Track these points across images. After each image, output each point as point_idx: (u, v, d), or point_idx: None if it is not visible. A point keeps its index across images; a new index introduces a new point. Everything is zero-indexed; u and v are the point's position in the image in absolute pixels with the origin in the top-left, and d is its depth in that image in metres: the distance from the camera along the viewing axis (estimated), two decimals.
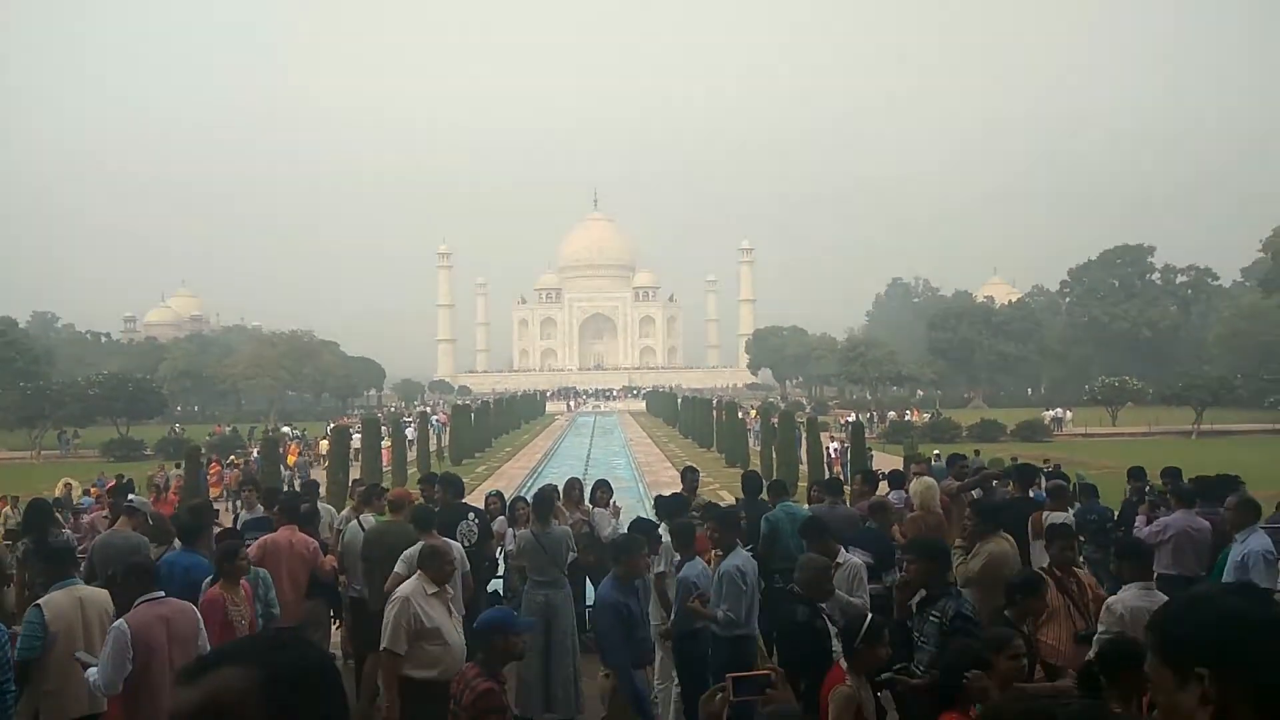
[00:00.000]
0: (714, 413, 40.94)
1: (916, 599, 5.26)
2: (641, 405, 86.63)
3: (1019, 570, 5.93)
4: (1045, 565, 6.15)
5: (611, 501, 9.32)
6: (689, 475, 9.78)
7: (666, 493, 9.51)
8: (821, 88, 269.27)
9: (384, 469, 27.24)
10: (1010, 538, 6.50)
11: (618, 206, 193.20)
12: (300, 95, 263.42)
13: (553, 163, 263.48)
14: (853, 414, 49.73)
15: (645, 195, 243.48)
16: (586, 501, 9.33)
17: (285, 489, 24.76)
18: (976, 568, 6.21)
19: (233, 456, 29.93)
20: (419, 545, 7.10)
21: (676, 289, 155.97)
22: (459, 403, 61.77)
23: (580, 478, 9.75)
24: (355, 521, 8.32)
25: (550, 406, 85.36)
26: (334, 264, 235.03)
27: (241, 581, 6.21)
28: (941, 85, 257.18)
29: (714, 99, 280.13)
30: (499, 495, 9.82)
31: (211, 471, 24.95)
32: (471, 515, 8.56)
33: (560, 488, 8.83)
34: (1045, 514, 8.08)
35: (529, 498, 9.05)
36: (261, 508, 9.26)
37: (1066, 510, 8.57)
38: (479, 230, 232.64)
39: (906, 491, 9.38)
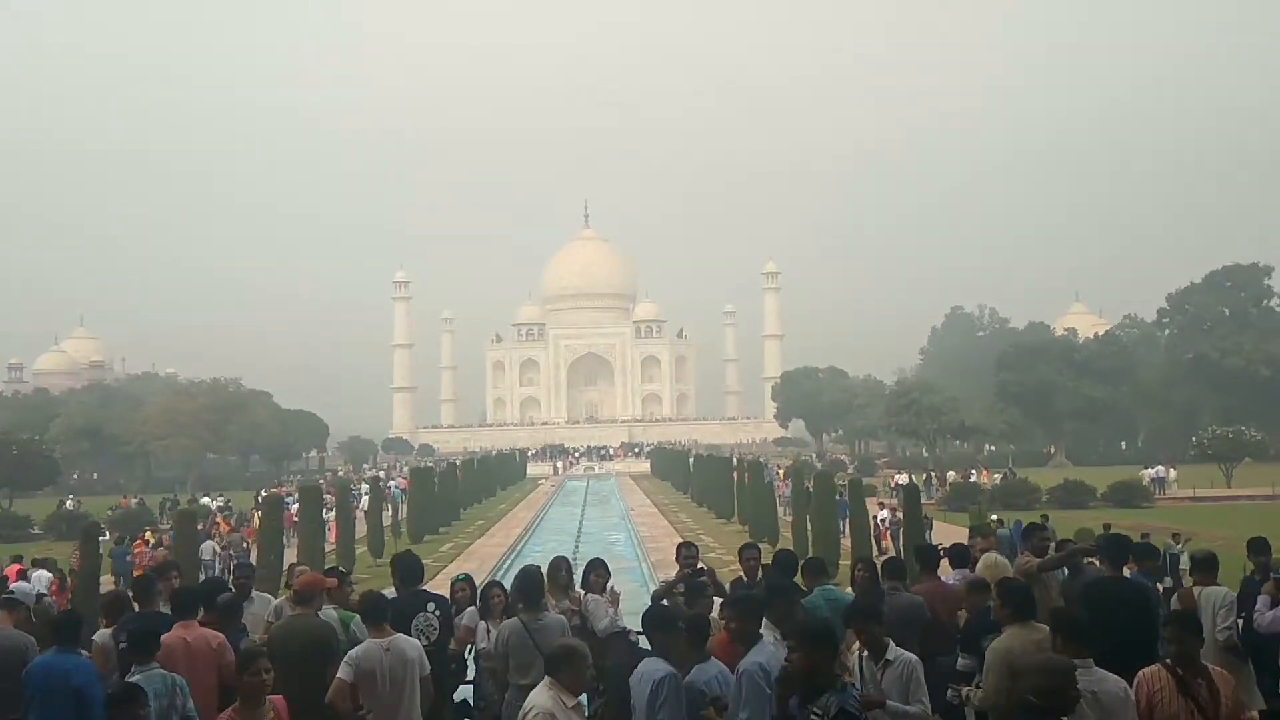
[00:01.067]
0: (735, 475, 40.78)
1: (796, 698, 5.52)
2: (645, 466, 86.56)
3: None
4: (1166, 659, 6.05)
5: (609, 586, 9.21)
6: (684, 551, 9.69)
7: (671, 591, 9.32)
8: (861, 91, 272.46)
9: (327, 548, 27.06)
10: (1042, 627, 6.48)
11: (614, 224, 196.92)
12: (223, 98, 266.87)
13: (535, 171, 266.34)
14: (905, 475, 49.52)
15: (647, 211, 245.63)
16: (578, 587, 9.24)
17: (212, 574, 24.61)
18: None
19: (148, 533, 29.70)
20: (366, 644, 7.05)
21: (687, 323, 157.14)
22: (420, 465, 61.62)
23: (569, 557, 9.63)
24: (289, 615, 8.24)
25: (533, 469, 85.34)
26: (265, 297, 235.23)
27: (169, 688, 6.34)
28: (1011, 87, 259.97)
29: (730, 99, 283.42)
30: (468, 580, 9.70)
31: (136, 550, 24.84)
32: (432, 606, 8.41)
33: (545, 570, 8.75)
34: (1197, 591, 8.05)
35: (507, 582, 8.97)
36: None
37: (1214, 586, 8.43)
38: (444, 254, 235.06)
39: (972, 571, 9.30)
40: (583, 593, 8.87)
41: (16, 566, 19.25)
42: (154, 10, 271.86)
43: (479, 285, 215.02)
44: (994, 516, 28.15)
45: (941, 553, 10.29)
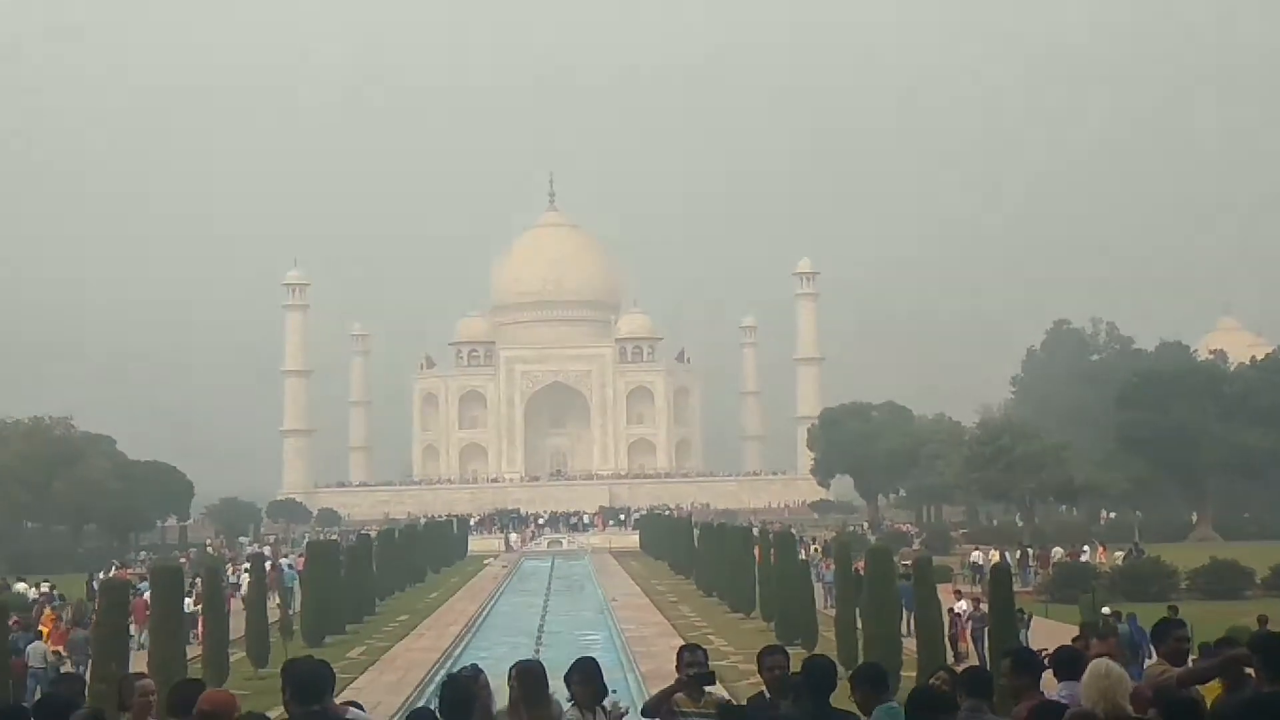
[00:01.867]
0: (756, 552, 40.73)
1: None
2: (633, 540, 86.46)
3: None
4: None
5: (612, 701, 9.10)
6: (688, 656, 9.64)
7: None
8: (920, 48, 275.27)
9: (189, 653, 26.92)
10: None
11: (589, 206, 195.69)
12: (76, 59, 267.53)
13: (482, 137, 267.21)
14: (993, 552, 49.50)
15: (635, 190, 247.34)
16: (561, 702, 9.08)
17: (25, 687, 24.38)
18: None
19: None
20: None
21: (690, 342, 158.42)
22: (320, 538, 61.32)
23: (536, 660, 9.50)
24: None
25: (477, 544, 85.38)
26: (107, 309, 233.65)
27: None
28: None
29: (745, 49, 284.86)
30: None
31: None
32: None
33: (509, 678, 8.71)
34: None
35: (438, 706, 8.86)
36: None
37: None
38: (355, 247, 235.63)
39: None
40: (566, 707, 8.75)
41: None
42: None
43: (402, 290, 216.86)
44: (1106, 609, 28.14)
45: (1044, 660, 10.29)
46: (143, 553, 76.03)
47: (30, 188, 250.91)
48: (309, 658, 9.49)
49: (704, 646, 10.26)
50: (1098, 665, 8.50)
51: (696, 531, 57.20)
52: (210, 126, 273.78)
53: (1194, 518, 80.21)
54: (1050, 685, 9.69)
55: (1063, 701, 8.71)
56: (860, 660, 20.88)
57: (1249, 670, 9.34)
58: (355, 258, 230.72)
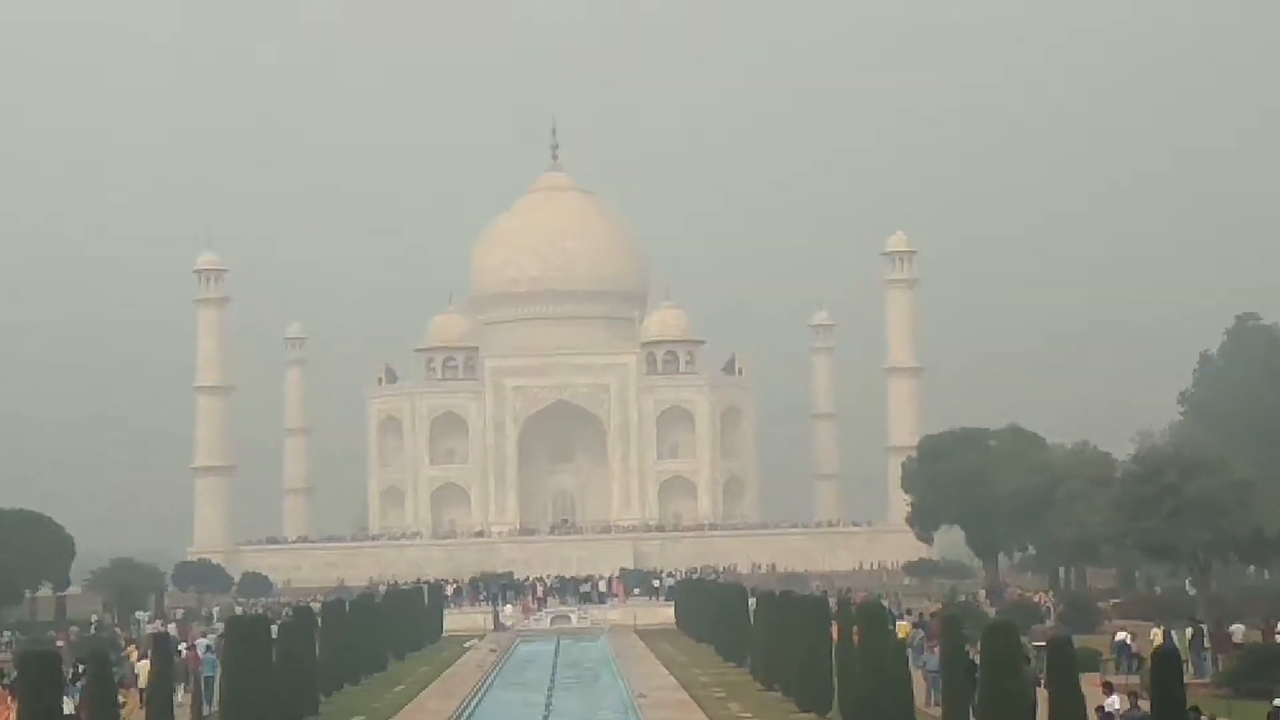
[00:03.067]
0: (835, 631, 40.59)
1: None
2: (667, 613, 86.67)
3: None
4: None
5: None
6: None
7: None
8: None
9: None
10: None
11: (604, 165, 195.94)
12: None
13: (464, 70, 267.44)
14: (1155, 630, 49.18)
15: (662, 142, 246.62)
16: None
17: None
18: None
19: None
20: None
21: (741, 346, 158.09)
22: (245, 612, 61.38)
23: None
24: None
25: (457, 620, 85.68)
26: None
27: None
28: None
29: None
30: None
31: None
32: None
33: None
34: None
35: None
36: None
37: None
38: (288, 224, 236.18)
39: None
40: None
41: None
42: None
43: (353, 280, 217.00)
44: None
45: None
46: (6, 633, 76.31)
47: None
48: None
49: None
50: None
51: (753, 602, 56.95)
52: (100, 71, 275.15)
53: None
54: None
55: None
56: None
57: None
58: (291, 238, 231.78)
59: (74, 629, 75.52)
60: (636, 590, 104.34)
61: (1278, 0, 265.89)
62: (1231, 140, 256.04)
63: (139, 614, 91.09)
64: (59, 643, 56.53)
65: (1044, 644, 31.15)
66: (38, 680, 26.10)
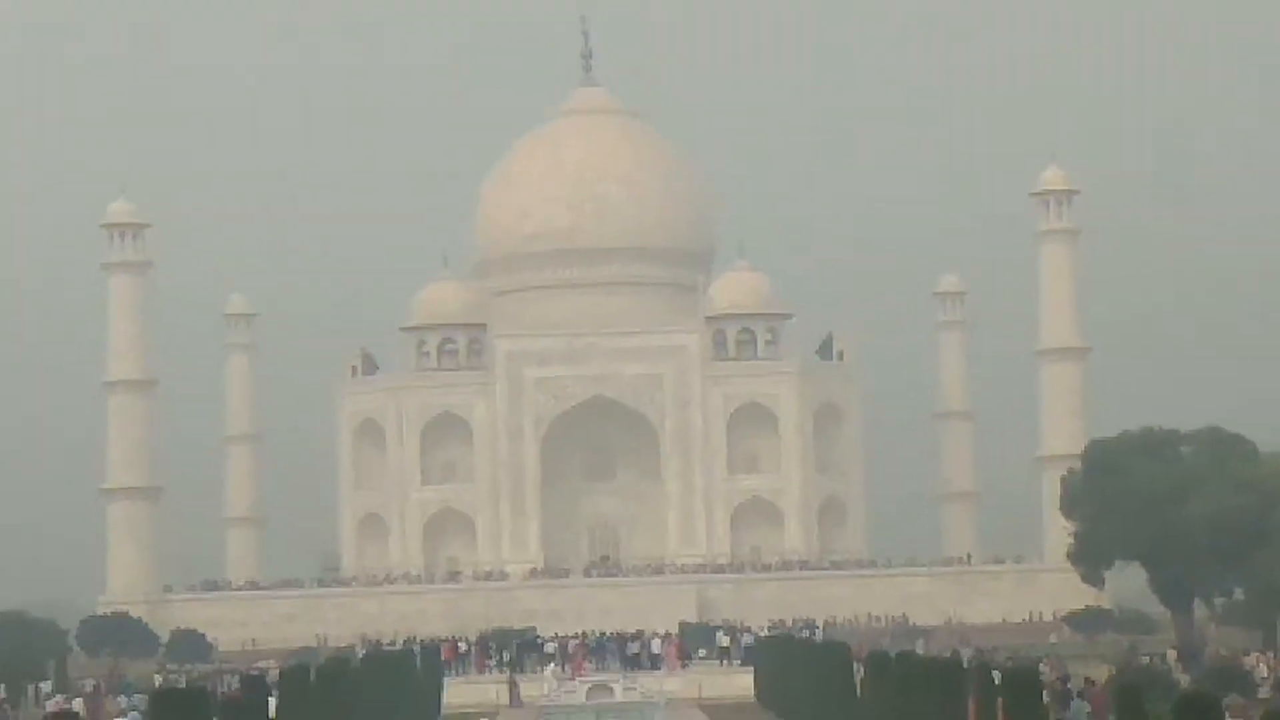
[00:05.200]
0: (972, 704, 40.41)
1: None
2: (745, 682, 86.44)
3: None
4: None
5: None
6: None
7: None
8: None
9: None
10: None
11: (652, 82, 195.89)
12: None
13: None
14: None
15: (729, 51, 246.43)
16: None
17: None
18: None
19: None
20: None
21: (841, 323, 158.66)
22: (176, 682, 61.51)
23: None
24: None
25: (459, 693, 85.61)
26: None
27: None
28: None
29: None
30: None
31: None
32: None
33: None
34: None
35: None
36: None
37: None
38: (227, 169, 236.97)
39: None
40: None
41: None
42: None
43: (316, 240, 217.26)
44: None
45: None
46: None
47: None
48: None
49: None
50: None
51: (860, 668, 56.97)
52: None
53: None
54: None
55: None
56: None
57: None
58: (232, 183, 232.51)
59: None
60: (702, 652, 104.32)
61: None
62: None
63: (35, 688, 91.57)
64: None
65: None
66: None
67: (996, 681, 39.99)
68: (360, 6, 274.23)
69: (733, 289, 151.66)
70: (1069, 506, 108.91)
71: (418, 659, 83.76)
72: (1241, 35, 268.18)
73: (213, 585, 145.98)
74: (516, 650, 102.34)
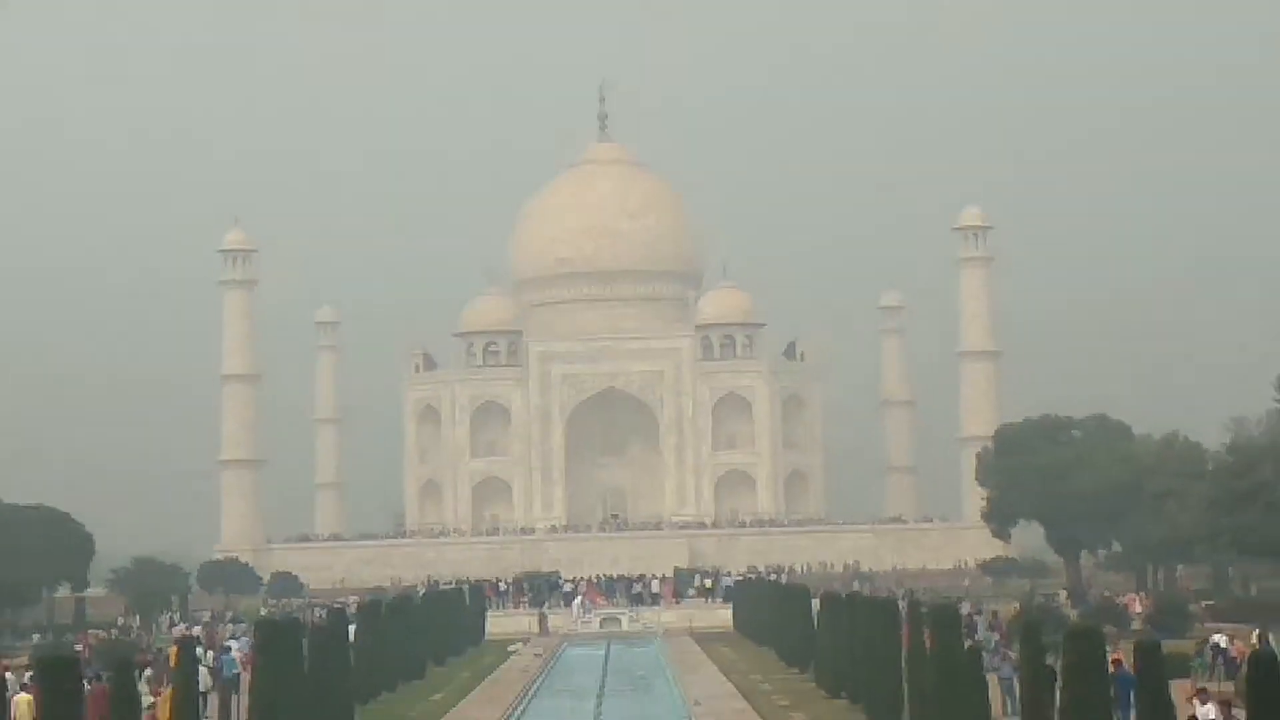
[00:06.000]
0: (905, 633, 40.57)
1: None
2: (725, 616, 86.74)
3: None
4: None
5: None
6: None
7: None
8: None
9: None
10: None
11: (656, 135, 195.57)
12: None
13: (506, 34, 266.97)
14: (1252, 635, 48.90)
15: (720, 112, 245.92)
16: None
17: None
18: None
19: None
20: None
21: (804, 330, 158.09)
22: (275, 614, 61.77)
23: None
24: None
25: (501, 623, 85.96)
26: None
27: None
28: None
29: None
30: None
31: None
32: None
33: None
34: None
35: None
36: None
37: None
38: (320, 199, 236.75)
39: None
40: None
41: None
42: None
43: (388, 261, 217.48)
44: None
45: None
46: (24, 640, 76.74)
47: None
48: None
49: None
50: None
51: (817, 604, 56.92)
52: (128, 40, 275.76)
53: None
54: None
55: None
56: None
57: None
58: (321, 214, 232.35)
59: (95, 633, 75.77)
60: (692, 591, 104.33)
61: None
62: None
63: (165, 617, 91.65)
64: (78, 647, 56.67)
65: (1129, 651, 30.95)
66: (56, 688, 26.33)
67: (926, 615, 40.25)
68: (424, 74, 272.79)
69: (718, 303, 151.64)
70: (983, 477, 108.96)
71: (467, 596, 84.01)
72: (1133, 83, 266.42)
73: (304, 537, 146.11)
74: (544, 589, 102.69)
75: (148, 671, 40.69)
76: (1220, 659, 47.00)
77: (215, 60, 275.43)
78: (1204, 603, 79.29)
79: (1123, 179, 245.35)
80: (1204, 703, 30.41)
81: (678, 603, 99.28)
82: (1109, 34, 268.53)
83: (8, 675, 40.44)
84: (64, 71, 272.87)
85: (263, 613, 70.82)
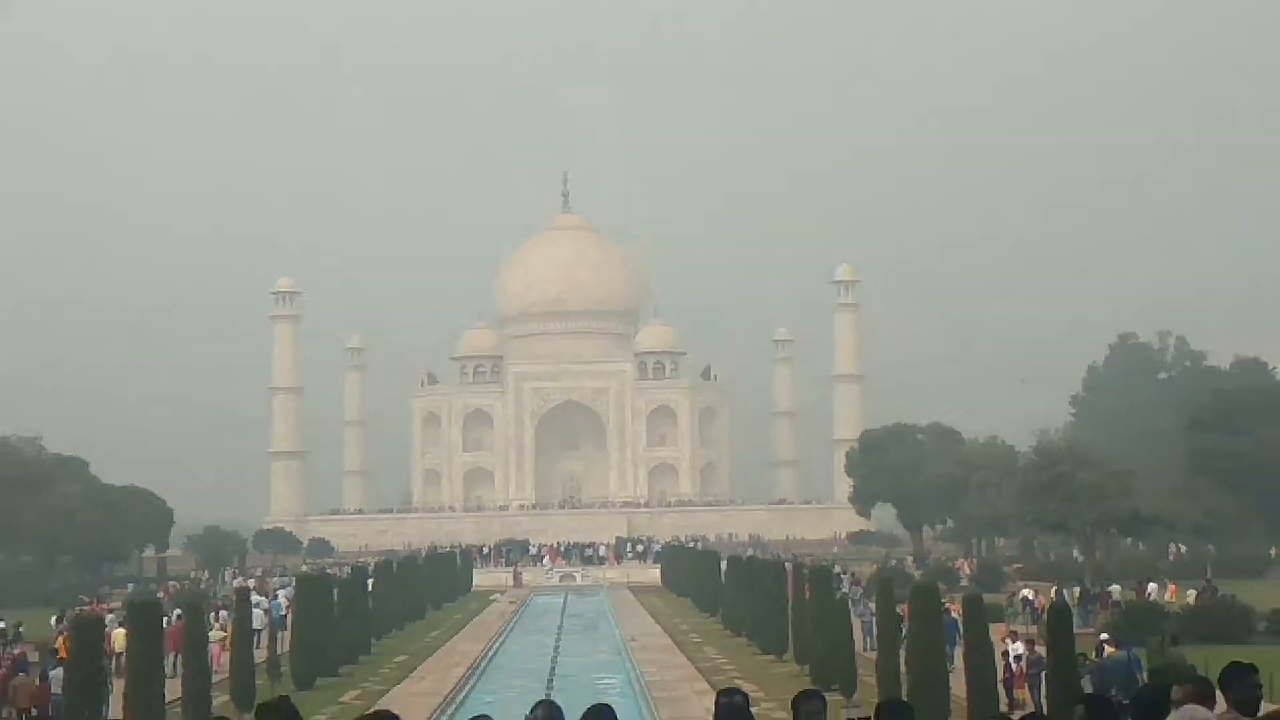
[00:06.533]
0: (790, 588, 40.71)
1: None
2: (654, 574, 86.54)
3: None
4: None
5: None
6: (725, 700, 9.49)
7: None
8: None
9: (168, 696, 26.98)
10: None
11: (606, 209, 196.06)
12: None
13: (488, 138, 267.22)
14: (1051, 590, 49.28)
15: (655, 190, 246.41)
16: None
17: None
18: None
19: None
20: None
21: (717, 357, 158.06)
22: (311, 571, 61.44)
23: (551, 700, 9.59)
24: None
25: (482, 577, 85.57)
26: (80, 320, 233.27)
27: None
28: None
29: (774, 41, 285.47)
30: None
31: None
32: None
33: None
34: None
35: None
36: None
37: None
38: (349, 253, 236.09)
39: None
40: None
41: None
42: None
43: (401, 300, 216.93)
44: (1104, 636, 27.90)
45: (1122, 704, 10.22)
46: (119, 588, 76.13)
47: None
48: (284, 699, 9.71)
49: (734, 690, 10.24)
50: (1187, 714, 8.46)
51: (723, 565, 57.13)
52: (191, 124, 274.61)
53: (1275, 552, 79.64)
54: None
55: None
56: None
57: None
58: (351, 265, 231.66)
59: (173, 584, 75.87)
60: (629, 555, 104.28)
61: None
62: (1095, 189, 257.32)
63: (227, 572, 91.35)
64: (160, 594, 56.51)
65: (959, 602, 31.09)
66: (143, 625, 26.24)
67: (806, 574, 40.40)
68: (436, 158, 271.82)
69: (651, 336, 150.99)
70: (850, 470, 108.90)
71: (458, 558, 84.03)
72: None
73: (334, 512, 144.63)
74: (518, 552, 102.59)
75: (216, 613, 40.73)
76: (1027, 608, 47.44)
77: (263, 134, 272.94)
78: (1015, 566, 79.92)
79: (963, 248, 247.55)
80: (1014, 641, 30.75)
81: (619, 563, 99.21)
82: (959, 119, 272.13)
83: (108, 615, 40.28)
84: (147, 141, 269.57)
85: (303, 569, 70.28)
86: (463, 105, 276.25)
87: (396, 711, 9.22)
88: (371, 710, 9.21)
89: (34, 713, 27.41)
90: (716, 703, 9.61)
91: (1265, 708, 10.05)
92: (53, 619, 46.31)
